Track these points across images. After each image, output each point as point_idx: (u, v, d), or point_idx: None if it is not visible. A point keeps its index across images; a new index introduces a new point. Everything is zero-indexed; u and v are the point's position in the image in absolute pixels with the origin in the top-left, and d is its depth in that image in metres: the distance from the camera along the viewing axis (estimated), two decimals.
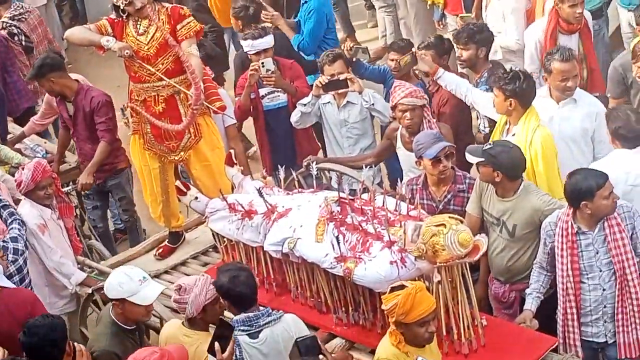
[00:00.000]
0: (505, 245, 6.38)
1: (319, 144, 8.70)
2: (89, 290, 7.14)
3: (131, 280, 5.85)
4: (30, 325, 5.53)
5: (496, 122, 7.29)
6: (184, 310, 5.80)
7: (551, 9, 7.75)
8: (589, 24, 8.15)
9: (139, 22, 6.90)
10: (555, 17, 7.59)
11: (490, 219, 6.41)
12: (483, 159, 6.27)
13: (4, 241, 6.73)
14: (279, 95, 8.45)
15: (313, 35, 9.43)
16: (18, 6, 10.92)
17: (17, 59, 10.44)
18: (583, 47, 7.71)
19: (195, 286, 5.77)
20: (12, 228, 6.86)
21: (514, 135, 6.95)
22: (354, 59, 8.46)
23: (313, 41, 9.43)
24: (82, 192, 8.43)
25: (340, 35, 10.54)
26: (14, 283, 6.53)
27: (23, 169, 7.25)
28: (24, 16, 10.78)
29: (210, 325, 5.77)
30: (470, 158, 6.41)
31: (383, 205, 6.08)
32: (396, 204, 6.06)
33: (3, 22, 10.67)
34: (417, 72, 8.08)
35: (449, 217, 5.68)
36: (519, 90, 6.85)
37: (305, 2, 9.56)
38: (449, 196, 6.68)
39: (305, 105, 7.96)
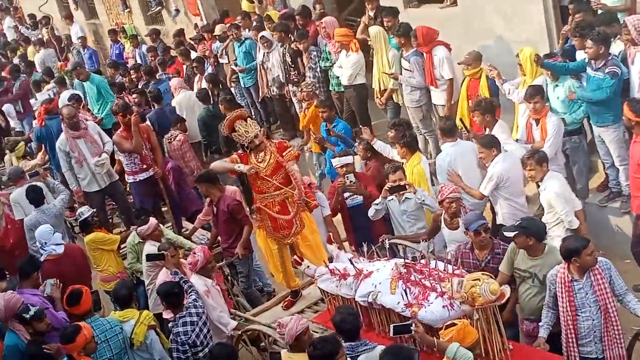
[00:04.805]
0: (537, 292, 6.16)
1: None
2: (239, 332, 7.08)
3: None
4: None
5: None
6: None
7: None
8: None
9: (258, 154, 6.98)
10: None
11: (523, 274, 6.21)
12: (518, 232, 6.12)
13: (186, 305, 6.74)
14: (357, 197, 8.37)
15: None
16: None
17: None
18: None
19: (289, 323, 5.71)
20: (190, 295, 6.83)
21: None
22: None
23: None
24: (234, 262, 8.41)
25: None
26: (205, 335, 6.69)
27: (195, 252, 7.30)
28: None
29: None
30: (508, 234, 6.28)
31: (436, 267, 5.98)
32: (444, 266, 5.97)
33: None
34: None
35: (482, 274, 5.59)
36: (406, 142, 8.19)
37: (334, 126, 9.61)
38: (489, 257, 6.52)
39: (377, 204, 7.89)
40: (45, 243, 8.22)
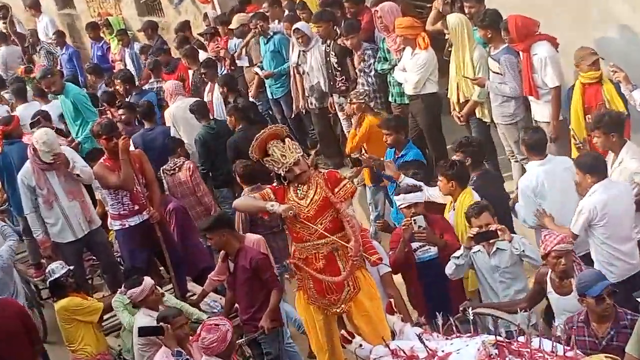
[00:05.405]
0: None
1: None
2: None
3: None
4: None
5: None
6: None
7: None
8: None
9: (299, 188, 7.01)
10: None
11: None
12: None
13: None
14: (429, 249, 8.35)
15: None
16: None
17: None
18: None
19: None
20: None
21: (454, 209, 8.45)
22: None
23: None
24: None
25: None
26: None
27: (217, 324, 7.22)
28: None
29: None
30: None
31: (540, 347, 5.88)
32: (552, 345, 5.86)
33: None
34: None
35: (605, 356, 5.51)
36: (456, 174, 8.30)
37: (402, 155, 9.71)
38: (612, 333, 6.43)
39: (458, 257, 7.85)
40: None
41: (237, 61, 13.54)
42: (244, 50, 13.30)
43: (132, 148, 11.12)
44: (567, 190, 8.16)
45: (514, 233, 7.99)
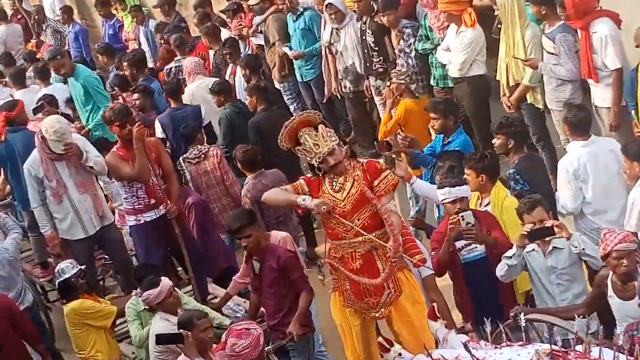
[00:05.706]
0: None
1: None
2: None
3: None
4: None
5: None
6: None
7: None
8: None
9: (334, 179, 6.99)
10: None
11: None
12: None
13: None
14: (476, 247, 8.29)
15: None
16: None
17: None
18: None
19: None
20: None
21: (487, 204, 8.41)
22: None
23: None
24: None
25: None
26: None
27: (247, 329, 7.23)
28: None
29: None
30: None
31: (600, 357, 5.81)
32: (614, 355, 5.79)
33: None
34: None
35: None
36: (486, 167, 8.26)
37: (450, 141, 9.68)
38: None
39: (511, 257, 7.78)
40: None
41: (251, 38, 13.55)
42: (260, 26, 13.30)
43: (159, 131, 11.27)
44: (612, 173, 8.26)
45: None
